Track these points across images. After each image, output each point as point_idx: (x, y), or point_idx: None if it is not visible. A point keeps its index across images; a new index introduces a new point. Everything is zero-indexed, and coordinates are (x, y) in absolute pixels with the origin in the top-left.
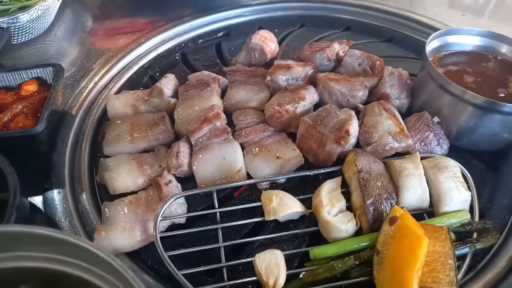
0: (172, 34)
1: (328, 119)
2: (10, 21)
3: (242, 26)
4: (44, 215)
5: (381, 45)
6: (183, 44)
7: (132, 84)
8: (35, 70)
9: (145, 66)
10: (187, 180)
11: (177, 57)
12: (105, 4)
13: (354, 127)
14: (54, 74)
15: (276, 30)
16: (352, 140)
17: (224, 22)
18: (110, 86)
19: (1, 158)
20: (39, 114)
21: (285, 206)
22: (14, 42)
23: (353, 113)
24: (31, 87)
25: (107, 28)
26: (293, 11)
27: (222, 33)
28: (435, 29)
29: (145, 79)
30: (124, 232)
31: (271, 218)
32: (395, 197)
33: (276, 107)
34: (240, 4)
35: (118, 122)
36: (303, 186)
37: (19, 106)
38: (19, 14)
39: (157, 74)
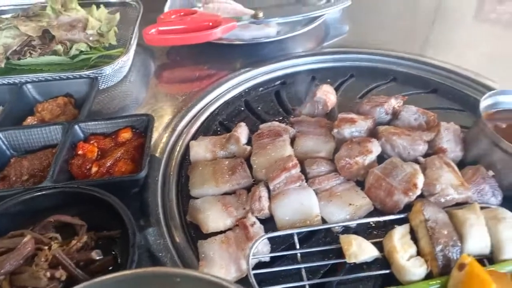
0: (235, 82)
1: (396, 172)
2: (98, 71)
3: (296, 75)
4: (147, 251)
5: (427, 96)
6: (245, 92)
7: (205, 130)
8: (129, 119)
9: (214, 113)
10: (265, 222)
11: (240, 104)
12: (170, 54)
13: (421, 181)
14: (147, 123)
15: (328, 80)
16: (418, 192)
17: (280, 72)
18: (186, 132)
19: (115, 199)
20: (134, 159)
21: (363, 250)
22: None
23: (418, 167)
24: (127, 135)
25: (176, 76)
26: (343, 62)
27: (279, 81)
28: (479, 83)
29: (215, 125)
30: (221, 269)
31: (353, 261)
32: (459, 244)
33: (347, 159)
34: (294, 55)
35: (200, 167)
36: (370, 231)
37: (119, 153)
38: (105, 66)
39: (225, 120)
